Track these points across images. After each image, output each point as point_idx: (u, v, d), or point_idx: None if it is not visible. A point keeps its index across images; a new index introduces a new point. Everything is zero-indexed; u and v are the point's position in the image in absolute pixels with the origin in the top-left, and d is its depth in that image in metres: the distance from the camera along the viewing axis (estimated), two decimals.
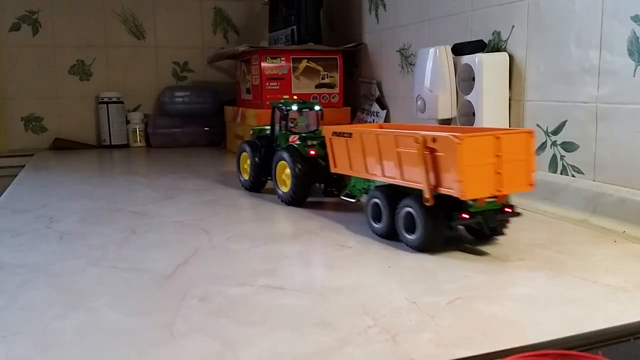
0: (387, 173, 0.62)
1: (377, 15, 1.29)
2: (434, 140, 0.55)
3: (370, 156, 0.64)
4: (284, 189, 0.81)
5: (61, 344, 0.39)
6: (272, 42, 1.52)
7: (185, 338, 0.39)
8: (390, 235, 0.62)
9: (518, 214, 0.59)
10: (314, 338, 0.39)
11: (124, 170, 1.22)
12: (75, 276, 0.53)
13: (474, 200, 0.56)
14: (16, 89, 1.57)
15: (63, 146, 1.59)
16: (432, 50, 0.90)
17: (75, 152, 1.54)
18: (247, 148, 0.91)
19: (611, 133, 0.69)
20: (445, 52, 0.89)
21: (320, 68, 1.30)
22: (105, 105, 1.58)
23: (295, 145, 0.81)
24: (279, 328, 0.41)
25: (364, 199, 0.69)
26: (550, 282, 0.50)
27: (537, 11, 0.79)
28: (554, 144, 0.78)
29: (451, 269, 0.54)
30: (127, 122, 1.63)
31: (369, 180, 0.68)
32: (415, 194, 0.57)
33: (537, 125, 0.81)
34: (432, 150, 0.55)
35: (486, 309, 0.44)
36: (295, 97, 0.89)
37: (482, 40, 0.89)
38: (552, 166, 0.78)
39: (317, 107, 0.88)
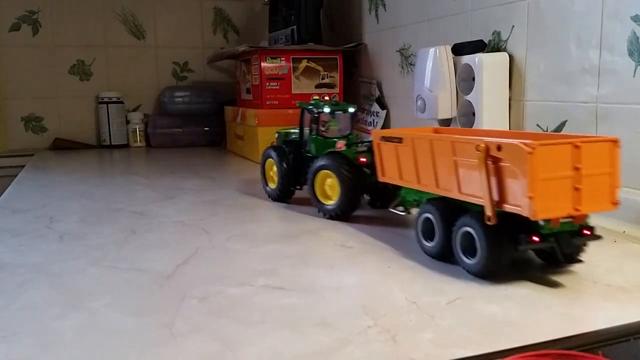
0: (442, 185, 0.54)
1: (377, 15, 1.29)
2: (499, 148, 0.47)
3: (422, 164, 0.56)
4: (328, 201, 0.72)
5: (61, 344, 0.39)
6: (272, 42, 1.52)
7: (185, 338, 0.39)
8: (444, 257, 0.54)
9: (598, 237, 0.51)
10: (314, 338, 0.39)
11: (124, 170, 1.22)
12: (75, 276, 0.53)
13: (547, 220, 0.47)
14: (16, 89, 1.57)
15: (63, 146, 1.59)
16: (432, 50, 0.90)
17: (75, 152, 1.54)
18: (274, 154, 0.82)
19: (611, 133, 0.69)
20: (445, 52, 0.89)
21: (320, 68, 1.30)
22: (105, 105, 1.59)
23: (344, 151, 0.73)
24: (279, 328, 0.41)
25: (414, 211, 0.62)
26: (550, 281, 0.50)
27: (537, 11, 0.79)
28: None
29: (451, 269, 0.54)
30: (127, 122, 1.63)
31: (421, 192, 0.60)
32: (476, 211, 0.49)
33: (537, 125, 0.81)
34: (497, 160, 0.47)
35: (486, 309, 0.44)
36: (326, 98, 0.82)
37: (482, 40, 0.89)
38: None
39: (351, 109, 0.80)
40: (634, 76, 0.65)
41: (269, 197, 0.85)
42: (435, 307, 0.44)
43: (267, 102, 1.27)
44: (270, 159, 0.84)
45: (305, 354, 0.37)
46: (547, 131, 0.79)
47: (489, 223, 0.48)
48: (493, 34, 0.88)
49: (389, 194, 0.69)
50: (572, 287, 0.49)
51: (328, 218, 0.72)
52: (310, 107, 0.79)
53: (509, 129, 0.86)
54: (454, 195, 0.52)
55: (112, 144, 1.60)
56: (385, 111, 1.24)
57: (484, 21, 0.90)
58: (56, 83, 1.60)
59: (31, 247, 0.62)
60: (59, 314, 0.44)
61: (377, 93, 1.29)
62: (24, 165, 1.33)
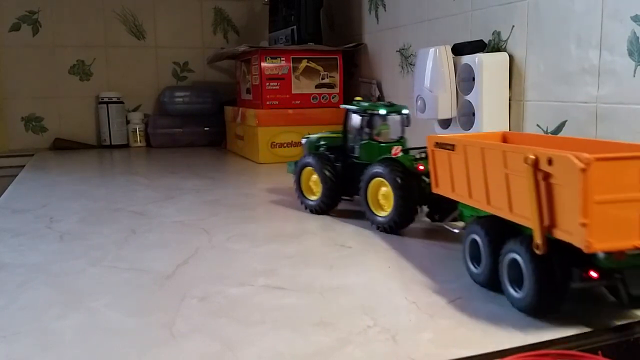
0: (493, 201, 0.47)
1: (377, 15, 1.29)
2: (549, 161, 0.39)
3: (474, 176, 0.49)
4: (381, 212, 0.66)
5: (61, 344, 0.39)
6: (272, 42, 1.52)
7: (185, 338, 0.39)
8: (493, 285, 0.46)
9: None
10: (314, 338, 0.39)
11: (124, 170, 1.22)
12: (76, 276, 0.53)
13: (608, 252, 0.39)
14: (16, 89, 1.57)
15: (63, 146, 1.59)
16: (432, 50, 0.90)
17: (75, 152, 1.55)
18: (315, 162, 0.74)
19: (611, 133, 0.69)
20: (445, 52, 0.89)
21: (320, 68, 1.30)
22: (105, 105, 1.59)
23: (400, 158, 0.66)
24: (279, 328, 0.41)
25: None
26: None
27: (537, 11, 0.79)
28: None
29: (451, 269, 0.54)
30: (127, 122, 1.63)
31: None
32: (526, 235, 0.43)
33: (537, 125, 0.81)
34: (547, 176, 0.40)
35: (486, 308, 0.44)
36: (374, 100, 0.78)
37: (482, 40, 0.89)
38: None
39: (404, 111, 0.73)
40: (634, 76, 0.65)
41: (310, 210, 0.76)
42: (435, 307, 0.44)
43: (267, 102, 1.27)
44: (309, 168, 0.76)
45: (305, 354, 0.37)
46: (546, 131, 0.79)
47: (537, 251, 0.41)
48: (493, 34, 0.88)
49: (449, 207, 0.62)
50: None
51: (381, 231, 0.66)
52: (363, 109, 0.72)
53: (509, 129, 0.86)
54: (505, 214, 0.45)
55: (112, 144, 1.60)
56: None
57: (483, 21, 0.90)
58: (56, 83, 1.60)
59: (31, 247, 0.62)
60: (59, 314, 0.44)
61: (377, 93, 1.29)
62: (24, 165, 1.33)
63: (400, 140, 0.73)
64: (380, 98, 1.28)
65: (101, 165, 1.32)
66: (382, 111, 0.71)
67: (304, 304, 0.45)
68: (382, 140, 0.72)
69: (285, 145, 1.28)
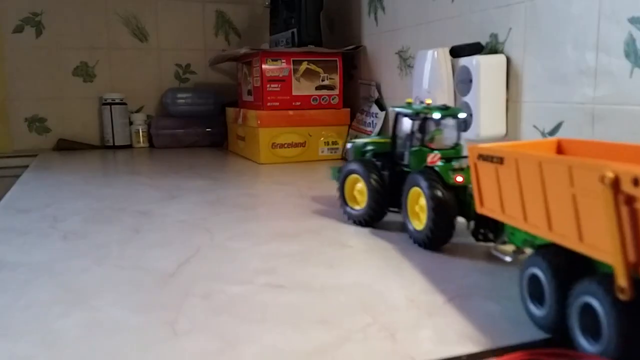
0: (556, 227, 0.38)
1: (376, 18, 1.30)
2: (635, 182, 0.30)
3: (530, 195, 0.41)
4: (418, 225, 0.61)
5: (65, 342, 0.39)
6: (272, 44, 1.53)
7: (187, 335, 0.40)
8: (559, 331, 0.38)
9: None
10: (314, 335, 0.40)
11: (127, 170, 1.23)
12: (79, 275, 0.54)
13: None
14: (20, 90, 1.58)
15: (67, 147, 1.60)
16: (430, 52, 0.90)
17: (78, 152, 1.55)
18: (361, 169, 0.68)
19: (607, 134, 0.70)
20: (443, 54, 0.90)
21: (320, 70, 1.31)
22: (108, 106, 1.59)
23: (436, 167, 0.60)
24: (280, 325, 0.41)
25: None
26: None
27: (534, 13, 0.80)
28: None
29: (450, 268, 0.54)
30: (130, 123, 1.64)
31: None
32: (604, 273, 0.35)
33: (534, 126, 0.81)
34: (632, 199, 0.31)
35: (484, 306, 0.45)
36: (428, 102, 0.66)
37: (479, 42, 0.90)
38: None
39: (461, 115, 0.65)
40: (631, 77, 0.66)
41: (353, 221, 0.71)
42: (434, 305, 0.45)
43: (268, 104, 1.28)
44: (354, 175, 0.70)
45: (306, 351, 0.37)
46: (543, 132, 0.80)
47: (621, 296, 0.32)
48: (490, 36, 0.89)
49: (498, 224, 0.56)
50: None
51: (418, 245, 0.61)
52: (415, 112, 0.64)
53: (507, 131, 0.86)
54: (573, 244, 0.36)
55: (116, 144, 1.61)
56: (384, 112, 1.25)
57: (481, 24, 0.91)
58: (60, 84, 1.61)
59: (35, 246, 0.63)
60: (62, 312, 0.44)
61: (376, 95, 1.30)
62: (27, 166, 1.34)
63: (456, 148, 0.65)
64: (379, 99, 1.29)
65: (104, 165, 1.33)
66: (437, 114, 0.63)
67: (304, 302, 0.46)
68: (436, 147, 0.64)
69: (286, 145, 1.29)
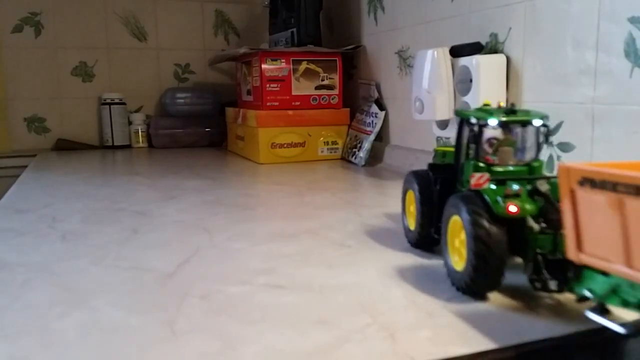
0: None
1: (375, 17, 1.29)
2: None
3: None
4: (457, 263, 0.47)
5: (63, 343, 0.39)
6: (272, 44, 1.53)
7: (186, 336, 0.40)
8: None
9: None
10: (313, 336, 0.40)
11: (126, 170, 1.22)
12: (78, 275, 0.53)
13: None
14: (19, 90, 1.58)
15: (66, 147, 1.60)
16: (430, 52, 0.90)
17: (77, 152, 1.55)
18: (415, 183, 0.57)
19: (607, 134, 0.70)
20: (443, 53, 0.90)
21: (319, 70, 1.31)
22: (107, 106, 1.59)
23: (484, 192, 0.46)
24: (279, 326, 0.41)
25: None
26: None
27: (534, 13, 0.80)
28: (550, 144, 0.79)
29: None
30: (130, 123, 1.64)
31: None
32: None
33: None
34: None
35: (484, 307, 0.44)
36: (501, 104, 0.51)
37: (479, 42, 0.90)
38: (549, 167, 0.79)
39: (536, 122, 0.49)
40: (631, 77, 0.66)
41: (407, 240, 0.62)
42: (433, 305, 0.45)
43: (268, 104, 1.28)
44: (411, 191, 0.59)
45: (305, 352, 0.37)
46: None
47: None
48: (490, 36, 0.89)
49: (568, 271, 0.41)
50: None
51: (456, 289, 0.48)
52: (472, 115, 0.50)
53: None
54: None
55: (115, 144, 1.61)
56: (383, 112, 1.25)
57: (481, 23, 0.91)
58: (59, 84, 1.61)
59: (34, 247, 0.63)
60: (61, 313, 0.44)
61: (376, 94, 1.30)
62: (26, 166, 1.34)
63: (532, 165, 0.49)
64: (379, 99, 1.29)
65: (103, 165, 1.33)
66: (493, 120, 0.48)
67: (303, 302, 0.46)
68: (502, 162, 0.49)
69: (285, 145, 1.29)
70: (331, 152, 1.32)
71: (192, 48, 1.73)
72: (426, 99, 0.92)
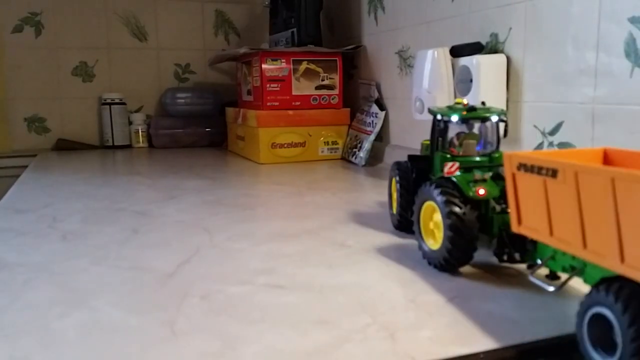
0: (632, 259, 0.31)
1: (376, 17, 1.29)
2: None
3: (595, 218, 0.33)
4: (432, 244, 0.53)
5: (63, 342, 0.39)
6: (272, 44, 1.53)
7: (186, 336, 0.40)
8: None
9: None
10: (313, 336, 0.40)
11: (126, 170, 1.23)
12: (78, 275, 0.53)
13: None
14: (19, 90, 1.58)
15: (66, 147, 1.60)
16: (430, 52, 0.90)
17: (78, 152, 1.55)
18: (396, 172, 0.65)
19: (607, 134, 0.69)
20: (444, 53, 0.90)
21: (320, 70, 1.31)
22: (108, 106, 1.59)
23: (454, 178, 0.53)
24: (279, 326, 0.41)
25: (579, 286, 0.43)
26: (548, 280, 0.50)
27: (534, 13, 0.80)
28: (550, 144, 0.79)
29: None
30: (130, 123, 1.64)
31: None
32: None
33: (534, 126, 0.81)
34: None
35: (484, 307, 0.44)
36: (465, 102, 0.58)
37: (479, 42, 0.90)
38: None
39: (494, 117, 0.56)
40: (631, 77, 0.66)
41: (391, 223, 0.69)
42: (433, 305, 0.45)
43: (268, 104, 1.28)
44: (394, 178, 0.67)
45: (305, 352, 0.37)
46: (543, 132, 0.80)
47: None
48: (490, 35, 0.89)
49: (526, 243, 0.48)
50: (569, 286, 0.49)
51: (434, 266, 0.53)
52: (437, 111, 0.58)
53: (506, 131, 0.86)
54: None
55: (115, 144, 1.61)
56: (384, 112, 1.25)
57: (481, 23, 0.91)
58: (59, 84, 1.61)
59: (34, 247, 0.63)
60: (61, 313, 0.44)
61: (376, 94, 1.30)
62: (27, 166, 1.34)
63: (492, 156, 0.56)
64: (379, 99, 1.29)
65: (104, 165, 1.33)
66: (455, 117, 0.55)
67: (303, 302, 0.46)
68: (466, 154, 0.56)
69: (285, 145, 1.29)
70: (331, 152, 1.32)
71: (192, 48, 1.73)
72: (426, 98, 0.92)
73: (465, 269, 0.54)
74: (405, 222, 0.65)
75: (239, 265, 0.56)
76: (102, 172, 1.20)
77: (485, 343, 0.38)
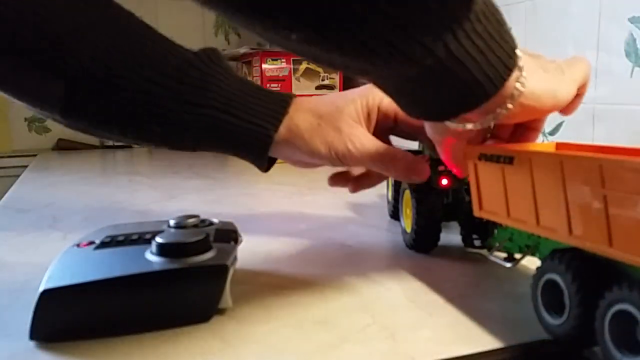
0: (579, 231, 0.35)
1: None
2: None
3: (546, 197, 0.38)
4: (407, 227, 0.61)
5: (63, 343, 0.39)
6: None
7: (186, 335, 0.40)
8: (581, 339, 0.35)
9: None
10: (314, 336, 0.40)
11: (126, 170, 1.23)
12: None
13: None
14: None
15: (66, 147, 1.60)
16: None
17: (78, 152, 1.55)
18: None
19: (608, 134, 0.70)
20: None
21: (320, 69, 1.31)
22: None
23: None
24: (279, 326, 0.41)
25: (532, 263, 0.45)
26: None
27: (534, 13, 0.80)
28: None
29: (449, 268, 0.54)
30: None
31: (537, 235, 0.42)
32: (638, 279, 0.31)
33: None
34: None
35: (484, 306, 0.45)
36: None
37: None
38: None
39: None
40: (631, 77, 0.66)
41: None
42: (433, 305, 0.45)
43: None
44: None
45: (305, 351, 0.37)
46: (544, 132, 0.80)
47: None
48: None
49: (487, 229, 0.54)
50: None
51: (405, 245, 0.61)
52: None
53: None
54: (602, 250, 0.33)
55: (115, 144, 1.61)
56: None
57: None
58: None
59: (34, 246, 0.63)
60: None
61: None
62: (27, 166, 1.34)
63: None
64: None
65: (104, 165, 1.33)
66: None
67: (304, 302, 0.46)
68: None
69: None
70: None
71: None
72: None
73: (465, 269, 0.54)
74: (396, 209, 0.68)
75: (238, 264, 0.56)
76: (103, 172, 1.20)
77: (485, 343, 0.38)
